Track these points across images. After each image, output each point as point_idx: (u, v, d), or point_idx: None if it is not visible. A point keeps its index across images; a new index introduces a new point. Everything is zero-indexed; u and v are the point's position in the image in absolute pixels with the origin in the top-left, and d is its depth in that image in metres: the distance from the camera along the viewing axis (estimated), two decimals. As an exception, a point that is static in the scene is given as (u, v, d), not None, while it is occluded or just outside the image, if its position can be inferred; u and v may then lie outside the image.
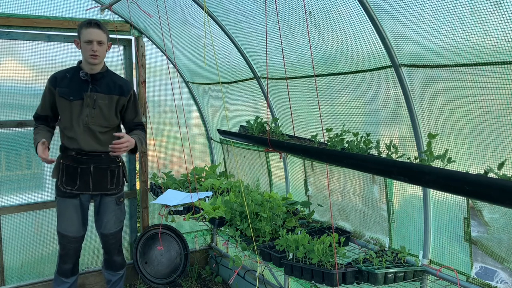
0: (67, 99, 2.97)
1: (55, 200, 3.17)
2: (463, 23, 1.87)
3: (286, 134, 2.93)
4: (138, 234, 4.29)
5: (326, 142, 2.42)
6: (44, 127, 3.09)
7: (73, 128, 3.01)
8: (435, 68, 2.15)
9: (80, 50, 3.00)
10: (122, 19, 4.03)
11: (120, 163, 3.21)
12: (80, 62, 3.07)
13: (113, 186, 3.16)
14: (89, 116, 3.00)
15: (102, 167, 3.09)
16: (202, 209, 3.48)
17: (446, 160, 1.83)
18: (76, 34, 3.00)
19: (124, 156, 4.15)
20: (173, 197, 3.71)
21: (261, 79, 3.49)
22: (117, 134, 2.94)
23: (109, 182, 3.14)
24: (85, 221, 3.18)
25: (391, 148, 2.11)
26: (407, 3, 2.02)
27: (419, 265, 2.51)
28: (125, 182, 3.30)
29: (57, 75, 3.04)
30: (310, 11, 2.54)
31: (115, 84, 3.09)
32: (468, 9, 1.81)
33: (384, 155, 2.16)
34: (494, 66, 1.87)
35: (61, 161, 3.06)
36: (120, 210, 3.26)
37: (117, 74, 3.20)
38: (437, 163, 1.86)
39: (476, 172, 1.94)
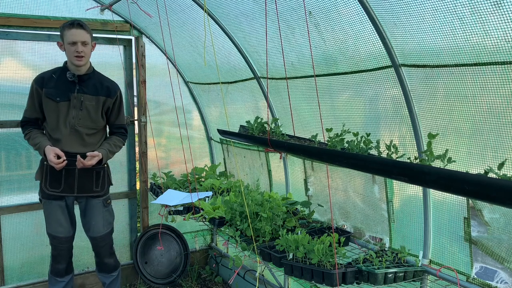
0: (54, 100, 2.93)
1: (39, 202, 3.14)
2: (463, 23, 1.87)
3: (286, 134, 2.93)
4: (138, 234, 4.29)
5: (326, 142, 2.42)
6: (39, 131, 3.03)
7: (59, 130, 2.96)
8: (435, 68, 2.15)
9: (64, 52, 2.95)
10: (122, 19, 4.03)
11: (105, 165, 3.17)
12: (66, 63, 3.02)
13: (98, 188, 3.12)
14: (76, 118, 2.96)
15: (87, 169, 3.02)
16: (202, 209, 3.48)
17: (446, 160, 1.83)
18: None
19: (123, 156, 4.16)
20: (173, 197, 3.71)
21: (261, 79, 3.49)
22: (90, 154, 2.92)
23: (94, 184, 3.10)
24: (73, 221, 3.17)
25: (391, 148, 2.11)
26: (407, 3, 2.02)
27: (419, 265, 2.51)
28: (110, 183, 3.25)
29: (44, 75, 2.99)
30: (310, 11, 2.54)
31: (102, 85, 3.06)
32: (468, 9, 1.81)
33: (384, 155, 2.16)
34: (494, 66, 1.87)
35: (45, 163, 2.99)
36: (108, 212, 3.23)
37: (104, 74, 3.16)
38: (437, 163, 1.86)
39: (476, 172, 1.94)
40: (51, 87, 2.95)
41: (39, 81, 2.98)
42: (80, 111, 2.97)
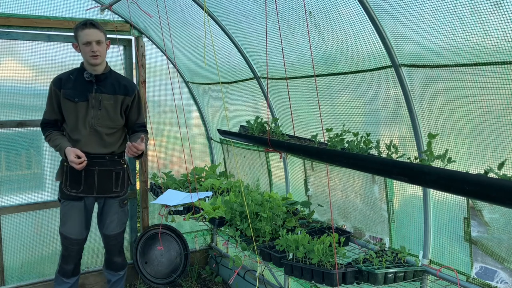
0: (72, 101, 2.95)
1: (58, 201, 3.15)
2: (463, 23, 1.87)
3: (286, 134, 2.93)
4: (138, 234, 4.29)
5: (326, 142, 2.42)
6: (59, 133, 3.05)
7: (78, 130, 2.98)
8: (435, 68, 2.15)
9: (80, 54, 2.97)
10: (122, 19, 4.03)
11: (125, 165, 3.20)
12: (82, 64, 3.04)
13: (118, 188, 3.15)
14: (95, 118, 2.98)
15: (107, 170, 3.07)
16: (202, 209, 3.48)
17: (446, 160, 1.83)
18: None
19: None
20: (173, 197, 3.71)
21: (261, 79, 3.49)
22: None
23: (114, 185, 3.12)
24: (88, 224, 3.18)
25: (391, 148, 2.11)
26: (407, 3, 2.02)
27: (419, 265, 2.51)
28: (130, 184, 3.28)
29: (62, 77, 3.01)
30: (310, 11, 2.54)
31: (120, 84, 3.08)
32: (468, 9, 1.81)
33: (384, 155, 2.16)
34: (494, 66, 1.87)
35: (65, 163, 3.02)
36: (123, 212, 3.24)
37: (121, 74, 3.18)
38: (437, 163, 1.86)
39: (476, 172, 1.94)
40: (69, 88, 2.97)
41: (57, 82, 2.99)
42: (99, 110, 2.98)
